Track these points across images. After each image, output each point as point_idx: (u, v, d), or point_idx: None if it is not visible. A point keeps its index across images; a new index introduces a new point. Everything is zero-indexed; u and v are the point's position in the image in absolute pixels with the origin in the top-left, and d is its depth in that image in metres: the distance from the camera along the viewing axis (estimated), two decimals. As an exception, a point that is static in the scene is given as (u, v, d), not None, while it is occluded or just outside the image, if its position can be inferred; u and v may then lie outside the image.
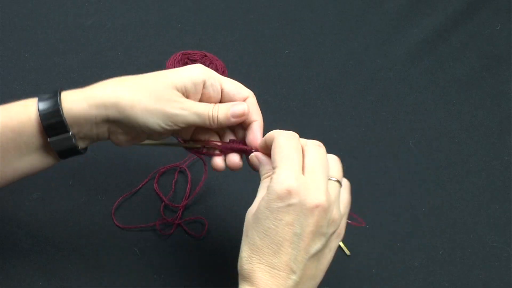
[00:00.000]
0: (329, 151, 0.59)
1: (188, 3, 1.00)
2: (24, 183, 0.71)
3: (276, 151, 0.57)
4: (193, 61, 0.83)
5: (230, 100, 0.62)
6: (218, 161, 0.63)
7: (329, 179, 0.57)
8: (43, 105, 0.57)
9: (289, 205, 0.53)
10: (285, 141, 0.57)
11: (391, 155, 0.84)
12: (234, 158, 0.62)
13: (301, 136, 0.59)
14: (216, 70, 0.81)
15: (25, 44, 0.88)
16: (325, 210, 0.54)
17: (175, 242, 0.71)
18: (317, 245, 0.55)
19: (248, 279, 0.54)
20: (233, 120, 0.61)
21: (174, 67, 0.80)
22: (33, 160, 0.60)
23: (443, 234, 0.77)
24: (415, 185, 0.81)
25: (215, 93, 0.61)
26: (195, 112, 0.59)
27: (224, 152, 0.62)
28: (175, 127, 0.59)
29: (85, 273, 0.67)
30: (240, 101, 0.62)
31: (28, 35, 0.89)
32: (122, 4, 0.97)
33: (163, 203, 0.73)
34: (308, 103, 0.89)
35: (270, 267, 0.54)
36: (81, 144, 0.60)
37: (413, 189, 0.81)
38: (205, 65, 0.82)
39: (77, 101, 0.57)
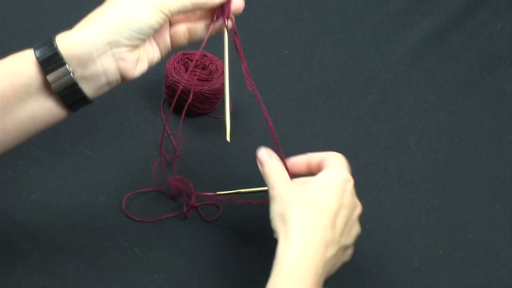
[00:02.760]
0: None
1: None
2: (24, 183, 0.71)
3: (334, 156, 0.64)
4: (193, 61, 0.82)
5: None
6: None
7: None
8: (38, 45, 0.56)
9: (346, 190, 0.61)
10: (341, 156, 0.65)
11: (391, 155, 0.84)
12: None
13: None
14: (216, 70, 0.81)
15: (25, 44, 0.88)
16: (359, 215, 0.63)
17: (175, 242, 0.71)
18: (352, 237, 0.62)
19: (299, 234, 0.57)
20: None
21: (174, 68, 0.80)
22: (36, 108, 0.56)
23: (443, 234, 0.77)
24: (415, 185, 0.81)
25: None
26: None
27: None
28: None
29: (85, 273, 0.67)
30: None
31: (28, 35, 0.89)
32: (122, 4, 0.97)
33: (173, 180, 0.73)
34: (308, 103, 0.89)
35: (325, 228, 0.58)
36: (86, 88, 0.57)
37: (413, 189, 0.81)
38: (205, 65, 0.82)
39: (70, 33, 0.56)
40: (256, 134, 0.81)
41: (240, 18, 0.99)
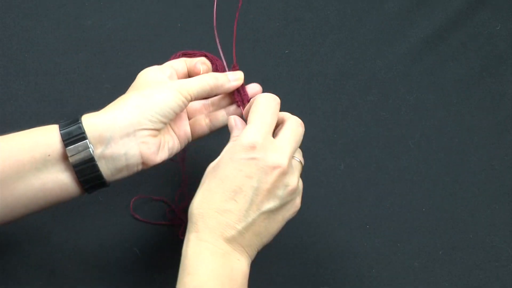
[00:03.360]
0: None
1: (188, 3, 0.99)
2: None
3: (252, 109, 0.60)
4: (193, 61, 0.82)
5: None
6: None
7: (293, 157, 0.60)
8: (63, 120, 0.58)
9: (252, 158, 0.56)
10: (264, 101, 0.61)
11: (391, 155, 0.84)
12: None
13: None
14: (216, 70, 0.81)
15: (25, 44, 0.88)
16: (284, 173, 0.57)
17: (175, 242, 0.71)
18: (270, 205, 0.57)
19: (195, 224, 0.55)
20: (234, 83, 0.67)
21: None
22: (50, 178, 0.57)
23: (443, 234, 0.77)
24: (415, 185, 0.81)
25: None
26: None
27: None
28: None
29: (85, 273, 0.67)
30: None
31: (28, 35, 0.89)
32: (122, 4, 0.97)
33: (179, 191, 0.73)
34: (308, 103, 0.89)
35: (219, 212, 0.55)
36: (103, 167, 0.58)
37: (413, 189, 0.81)
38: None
39: (95, 115, 0.58)
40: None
41: (240, 18, 0.99)
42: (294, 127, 0.61)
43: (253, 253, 0.58)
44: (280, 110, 0.64)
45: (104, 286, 0.66)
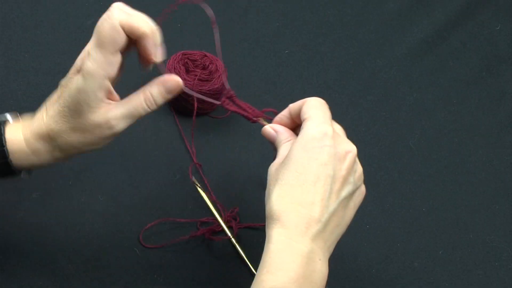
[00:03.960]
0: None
1: (188, 3, 0.99)
2: (24, 183, 0.71)
3: (309, 105, 0.59)
4: (193, 61, 0.82)
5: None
6: None
7: None
8: None
9: (324, 146, 0.55)
10: (318, 100, 0.59)
11: (391, 155, 0.84)
12: None
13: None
14: (216, 70, 0.81)
15: (25, 44, 0.88)
16: (355, 158, 0.57)
17: (176, 242, 0.71)
18: (346, 191, 0.56)
19: (277, 220, 0.54)
20: (170, 96, 0.59)
21: (175, 67, 0.80)
22: None
23: (443, 234, 0.77)
24: (415, 185, 0.81)
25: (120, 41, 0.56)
26: (129, 116, 0.58)
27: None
28: (117, 135, 0.58)
29: (85, 273, 0.67)
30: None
31: (28, 35, 0.89)
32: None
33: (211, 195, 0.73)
34: (308, 103, 0.89)
35: (303, 206, 0.54)
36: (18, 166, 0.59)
37: (413, 189, 0.81)
38: (205, 65, 0.82)
39: (17, 143, 0.57)
40: (257, 134, 0.81)
41: (240, 18, 0.99)
42: (339, 127, 0.62)
43: (333, 247, 0.57)
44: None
45: (104, 286, 0.66)
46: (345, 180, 0.56)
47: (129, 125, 0.58)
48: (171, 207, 0.74)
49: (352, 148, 0.57)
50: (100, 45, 0.56)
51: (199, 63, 0.82)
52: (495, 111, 0.92)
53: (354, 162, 0.57)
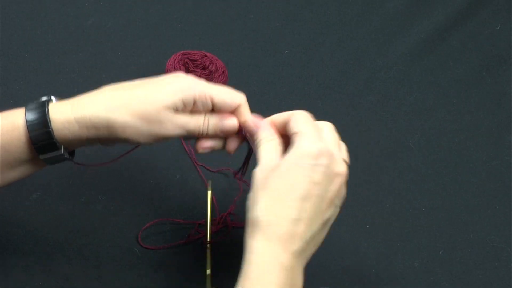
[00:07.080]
0: None
1: (188, 3, 1.00)
2: (24, 183, 0.71)
3: (299, 119, 0.59)
4: (193, 61, 0.82)
5: (221, 108, 0.61)
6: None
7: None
8: (32, 126, 0.56)
9: (318, 165, 0.55)
10: (304, 114, 0.60)
11: (391, 155, 0.84)
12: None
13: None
14: (216, 70, 0.81)
15: (25, 44, 0.88)
16: (344, 182, 0.57)
17: (175, 242, 0.71)
18: (331, 212, 0.57)
19: (261, 231, 0.53)
20: (222, 134, 0.62)
21: (174, 67, 0.80)
22: (24, 170, 0.60)
23: (443, 234, 0.77)
24: (415, 185, 0.81)
25: (205, 108, 0.60)
26: (186, 129, 0.59)
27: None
28: (164, 141, 0.60)
29: (85, 273, 0.67)
30: (231, 109, 0.61)
31: (28, 35, 0.89)
32: (122, 4, 0.97)
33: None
34: (308, 103, 0.88)
35: (288, 221, 0.54)
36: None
37: (413, 189, 0.81)
38: (205, 65, 0.82)
39: (67, 123, 0.57)
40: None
41: (240, 18, 0.99)
42: (331, 131, 0.61)
43: (306, 263, 0.57)
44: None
45: (104, 286, 0.66)
46: (331, 203, 0.56)
47: (179, 136, 0.60)
48: (171, 207, 0.74)
49: (343, 171, 0.57)
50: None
51: (199, 63, 0.82)
52: (495, 111, 0.92)
53: (342, 185, 0.57)
